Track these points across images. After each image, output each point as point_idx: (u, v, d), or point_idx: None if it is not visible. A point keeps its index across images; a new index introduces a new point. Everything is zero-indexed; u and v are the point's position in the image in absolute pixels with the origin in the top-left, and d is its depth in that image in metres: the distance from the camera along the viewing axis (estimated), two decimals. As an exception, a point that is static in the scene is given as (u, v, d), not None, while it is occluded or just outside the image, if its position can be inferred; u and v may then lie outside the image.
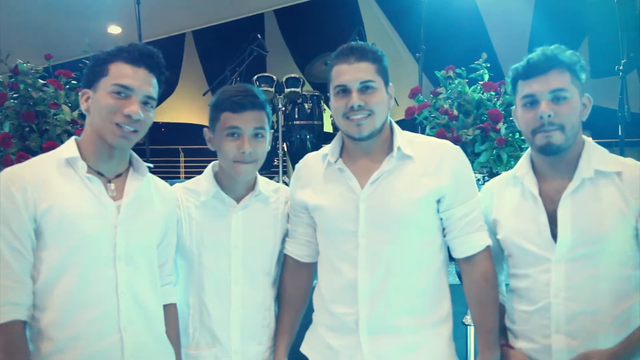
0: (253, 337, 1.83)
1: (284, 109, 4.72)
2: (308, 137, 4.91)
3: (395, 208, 1.67)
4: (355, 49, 1.69)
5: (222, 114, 1.77)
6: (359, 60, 1.67)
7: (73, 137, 1.66)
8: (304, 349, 1.85)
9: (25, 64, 2.97)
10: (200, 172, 1.92)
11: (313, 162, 1.84)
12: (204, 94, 5.86)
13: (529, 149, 1.76)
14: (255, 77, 4.82)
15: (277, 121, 4.64)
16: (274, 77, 4.87)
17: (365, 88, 1.68)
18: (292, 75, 4.91)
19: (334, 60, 1.72)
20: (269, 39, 8.74)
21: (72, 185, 1.56)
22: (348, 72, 1.67)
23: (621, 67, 3.39)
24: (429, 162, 1.70)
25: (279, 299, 1.92)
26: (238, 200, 1.85)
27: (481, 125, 3.03)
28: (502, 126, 2.99)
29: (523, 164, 1.74)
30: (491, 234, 1.75)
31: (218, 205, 1.84)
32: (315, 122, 4.94)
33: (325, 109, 5.03)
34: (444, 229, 1.74)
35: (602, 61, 3.74)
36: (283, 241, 1.91)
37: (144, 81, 1.60)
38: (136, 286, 1.60)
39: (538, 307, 1.63)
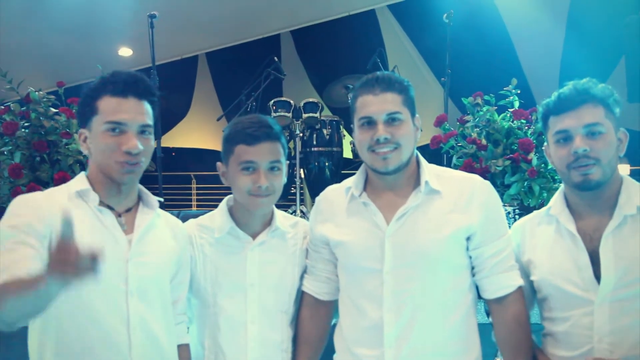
0: None
1: (301, 134, 4.68)
2: (327, 164, 4.87)
3: (423, 246, 1.66)
4: (381, 79, 1.70)
5: (236, 147, 1.78)
6: (385, 91, 1.68)
7: (82, 172, 1.69)
8: (325, 392, 1.84)
9: (37, 92, 3.02)
10: (213, 200, 1.94)
11: (335, 195, 1.85)
12: (218, 119, 5.85)
13: (562, 186, 1.75)
14: (272, 101, 4.78)
15: (295, 147, 4.59)
16: (292, 101, 4.81)
17: (391, 120, 1.68)
18: (311, 99, 4.87)
19: (359, 91, 1.73)
20: (286, 61, 8.75)
21: (84, 217, 1.57)
22: (374, 104, 1.68)
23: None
24: (458, 197, 1.70)
25: (296, 338, 1.90)
26: (254, 236, 1.85)
27: (511, 155, 3.00)
28: (533, 156, 2.96)
29: (557, 202, 1.74)
30: (523, 275, 1.73)
31: (233, 242, 1.85)
32: (335, 149, 4.90)
33: (344, 135, 5.00)
34: (473, 268, 1.74)
35: (641, 84, 3.72)
36: (301, 278, 1.91)
37: (135, 111, 1.60)
38: (149, 323, 1.61)
39: (580, 352, 1.61)
